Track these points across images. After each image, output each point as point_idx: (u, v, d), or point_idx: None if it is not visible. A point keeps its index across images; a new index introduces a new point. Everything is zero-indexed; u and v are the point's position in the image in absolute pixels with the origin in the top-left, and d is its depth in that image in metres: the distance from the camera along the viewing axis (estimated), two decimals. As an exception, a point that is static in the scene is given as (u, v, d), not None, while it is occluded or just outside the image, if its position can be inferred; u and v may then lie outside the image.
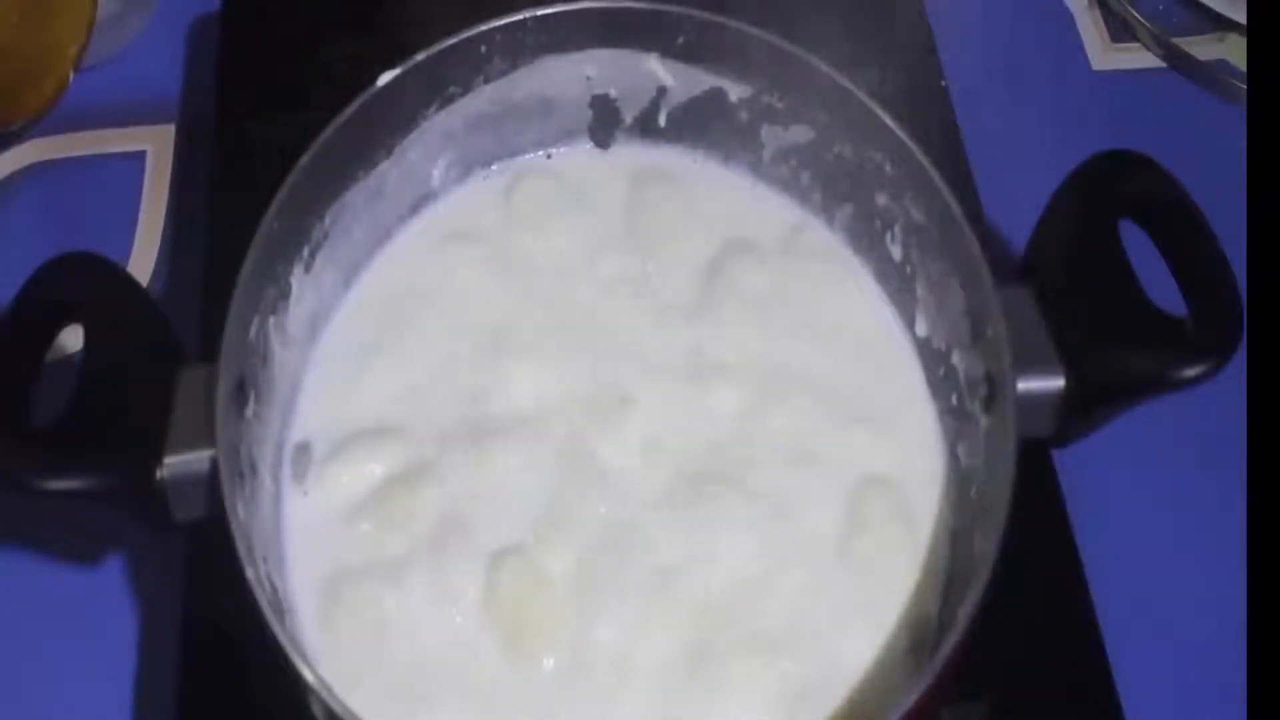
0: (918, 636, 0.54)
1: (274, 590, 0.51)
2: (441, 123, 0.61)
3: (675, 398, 0.58)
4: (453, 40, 0.59)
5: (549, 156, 0.65)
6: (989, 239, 0.59)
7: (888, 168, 0.58)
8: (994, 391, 0.53)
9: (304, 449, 0.57)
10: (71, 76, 0.74)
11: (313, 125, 0.56)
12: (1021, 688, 0.58)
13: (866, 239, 0.61)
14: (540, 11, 0.59)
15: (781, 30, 0.59)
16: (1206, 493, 0.65)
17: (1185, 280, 0.51)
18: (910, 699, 0.46)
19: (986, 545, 0.48)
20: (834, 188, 0.62)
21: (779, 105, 0.61)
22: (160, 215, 0.73)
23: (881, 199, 0.59)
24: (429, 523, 0.55)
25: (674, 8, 0.60)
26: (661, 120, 0.64)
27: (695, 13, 0.60)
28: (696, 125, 0.64)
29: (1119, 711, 0.57)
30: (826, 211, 0.63)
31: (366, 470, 0.56)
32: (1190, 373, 0.50)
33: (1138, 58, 0.79)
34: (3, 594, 0.63)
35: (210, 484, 0.49)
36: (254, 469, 0.53)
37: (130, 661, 0.61)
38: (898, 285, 0.60)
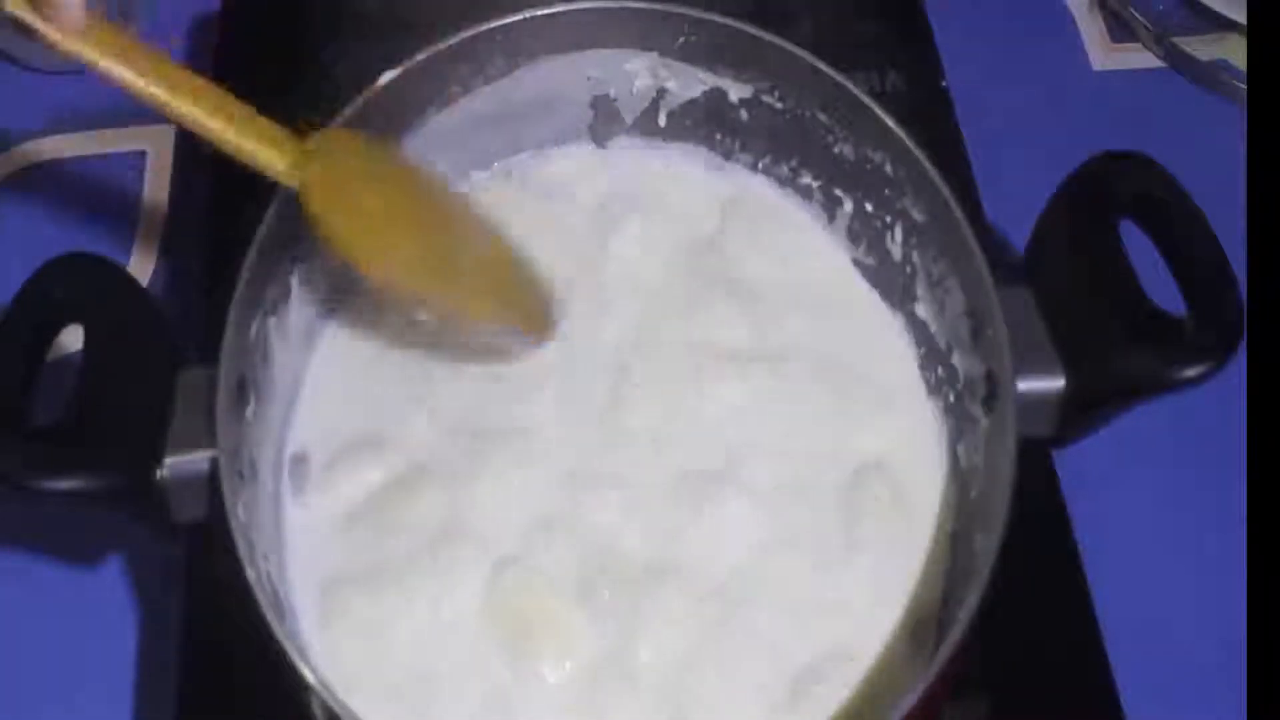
0: (917, 636, 0.54)
1: (274, 591, 0.51)
2: (441, 123, 0.61)
3: (674, 395, 0.58)
4: (453, 40, 0.59)
5: (549, 157, 0.65)
6: (989, 239, 0.59)
7: (888, 168, 0.58)
8: (994, 391, 0.53)
9: (303, 457, 0.57)
10: None
11: (313, 125, 0.56)
12: (1021, 688, 0.58)
13: (866, 239, 0.61)
14: (540, 11, 0.59)
15: (781, 30, 0.59)
16: (1206, 493, 0.65)
17: (1185, 280, 0.51)
18: (911, 699, 0.46)
19: (986, 545, 0.48)
20: (834, 188, 0.62)
21: (779, 105, 0.61)
22: (160, 215, 0.73)
23: (881, 199, 0.59)
24: (429, 528, 0.55)
25: (674, 8, 0.60)
26: (661, 120, 0.64)
27: (695, 13, 0.60)
28: (696, 125, 0.64)
29: (1119, 711, 0.57)
30: (826, 212, 0.63)
31: (366, 477, 0.56)
32: (1190, 373, 0.50)
33: (1138, 58, 0.79)
34: (3, 594, 0.63)
35: (210, 485, 0.49)
36: (254, 470, 0.53)
37: (130, 662, 0.61)
38: (898, 285, 0.60)
